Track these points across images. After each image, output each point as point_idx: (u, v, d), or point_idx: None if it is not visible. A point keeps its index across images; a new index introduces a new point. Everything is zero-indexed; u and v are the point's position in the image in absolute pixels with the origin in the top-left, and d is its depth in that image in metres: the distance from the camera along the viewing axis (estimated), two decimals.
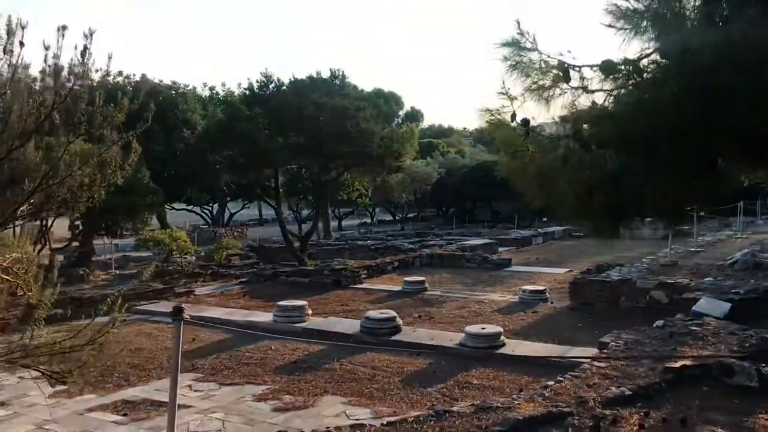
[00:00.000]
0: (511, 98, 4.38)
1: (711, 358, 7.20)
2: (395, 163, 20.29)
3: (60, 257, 24.89)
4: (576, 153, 3.85)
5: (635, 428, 5.56)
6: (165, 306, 13.19)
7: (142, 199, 15.74)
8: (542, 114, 4.32)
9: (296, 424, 6.74)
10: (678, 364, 7.00)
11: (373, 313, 10.72)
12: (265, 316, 11.98)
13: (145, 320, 12.37)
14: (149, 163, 21.36)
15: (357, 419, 6.83)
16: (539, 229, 31.21)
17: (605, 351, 7.96)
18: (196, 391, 8.01)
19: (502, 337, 9.74)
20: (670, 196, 3.55)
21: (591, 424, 5.57)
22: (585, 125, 4.04)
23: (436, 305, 13.48)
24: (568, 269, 18.76)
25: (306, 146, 18.66)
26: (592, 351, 8.91)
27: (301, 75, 20.50)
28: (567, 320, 11.89)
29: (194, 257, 24.58)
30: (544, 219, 46.61)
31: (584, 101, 4.08)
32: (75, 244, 17.87)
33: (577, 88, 3.78)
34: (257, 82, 19.00)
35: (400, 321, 10.73)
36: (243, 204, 48.96)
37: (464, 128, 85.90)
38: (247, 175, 19.57)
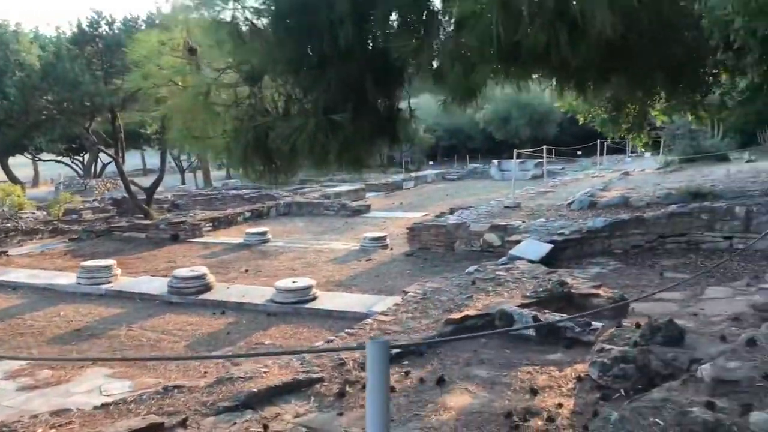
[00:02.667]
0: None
1: (496, 307, 6.90)
2: None
3: None
4: (222, 87, 3.15)
5: None
6: None
7: None
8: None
9: (34, 405, 5.94)
10: (459, 315, 6.65)
11: (182, 271, 9.93)
12: (72, 278, 10.92)
13: None
14: None
15: (110, 394, 6.11)
16: (412, 174, 31.08)
17: (397, 303, 7.54)
18: None
19: (314, 290, 9.21)
20: (320, 136, 2.94)
21: (337, 390, 5.09)
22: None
23: (271, 257, 12.83)
24: (425, 213, 18.53)
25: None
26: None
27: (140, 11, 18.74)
28: (398, 267, 11.54)
29: (40, 213, 22.83)
30: (431, 162, 47.03)
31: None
32: None
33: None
34: (87, 18, 17.26)
35: (211, 278, 10.00)
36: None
37: None
38: (79, 121, 17.92)
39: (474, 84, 2.98)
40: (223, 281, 10.75)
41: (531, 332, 6.36)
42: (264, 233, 14.51)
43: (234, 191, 28.96)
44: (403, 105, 3.47)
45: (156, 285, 10.24)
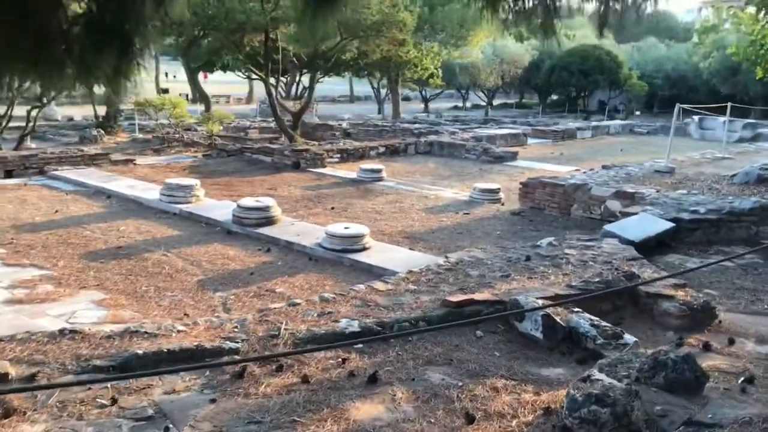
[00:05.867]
0: None
1: (520, 294, 5.53)
2: (401, 35, 18.19)
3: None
4: None
5: (295, 381, 4.19)
6: (82, 174, 12.49)
7: None
8: None
9: (2, 321, 5.78)
10: (459, 298, 5.42)
11: (246, 201, 9.48)
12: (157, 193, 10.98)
13: (45, 185, 11.73)
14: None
15: (73, 323, 5.77)
16: (592, 123, 28.29)
17: (411, 271, 6.40)
18: None
19: (366, 240, 8.30)
20: None
21: (240, 368, 4.25)
22: None
23: (370, 197, 12.04)
24: (575, 168, 16.53)
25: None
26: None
27: None
28: (493, 226, 10.19)
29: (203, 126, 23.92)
30: (637, 113, 43.01)
31: None
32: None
33: None
34: None
35: (276, 211, 9.44)
36: (317, 79, 47.17)
37: None
38: (230, 40, 18.18)
39: None
40: (299, 216, 10.21)
41: (537, 334, 4.99)
42: (379, 171, 13.74)
43: (407, 125, 28.50)
44: None
45: (227, 211, 9.93)
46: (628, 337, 4.88)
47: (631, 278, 6.10)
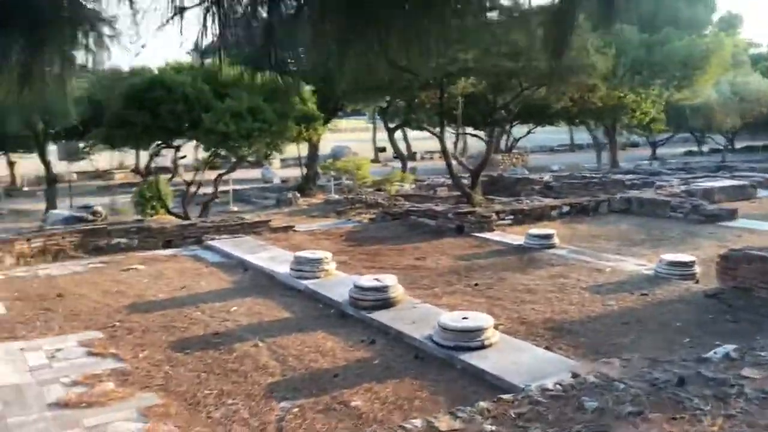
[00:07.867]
0: None
1: None
2: (590, 80, 16.27)
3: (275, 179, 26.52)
4: None
5: None
6: (235, 243, 12.26)
7: (267, 126, 14.84)
8: None
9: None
10: None
11: (365, 281, 8.33)
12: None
13: (194, 256, 11.65)
14: None
15: None
16: None
17: (518, 398, 4.69)
18: (52, 357, 6.86)
19: (488, 334, 6.71)
20: None
21: None
22: None
23: (529, 270, 10.27)
24: None
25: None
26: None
27: None
28: (673, 313, 7.97)
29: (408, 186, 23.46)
30: None
31: None
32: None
33: None
34: None
35: (397, 291, 8.20)
36: (528, 129, 45.61)
37: None
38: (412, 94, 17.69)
39: None
40: (433, 294, 8.89)
41: None
42: (549, 237, 11.90)
43: (620, 175, 25.98)
44: None
45: (348, 289, 8.88)
46: None
47: None
